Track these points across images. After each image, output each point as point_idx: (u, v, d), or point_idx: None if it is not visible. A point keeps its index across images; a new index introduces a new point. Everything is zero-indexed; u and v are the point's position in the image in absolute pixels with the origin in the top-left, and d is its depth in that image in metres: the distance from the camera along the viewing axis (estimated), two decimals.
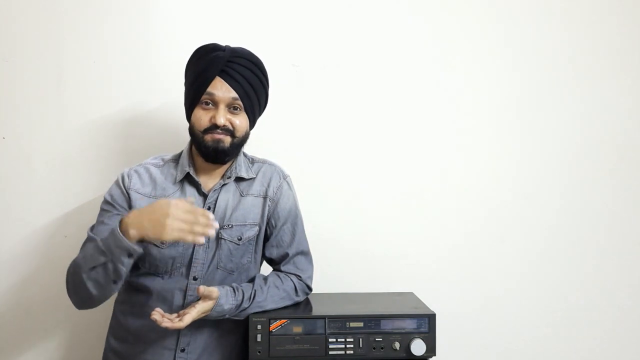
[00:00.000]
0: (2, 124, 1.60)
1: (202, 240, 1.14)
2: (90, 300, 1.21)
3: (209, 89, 1.27)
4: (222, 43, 1.34)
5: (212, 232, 1.14)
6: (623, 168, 1.76)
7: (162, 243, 1.26)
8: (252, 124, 1.36)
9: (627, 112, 1.77)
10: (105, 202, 1.32)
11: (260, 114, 1.40)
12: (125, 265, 1.15)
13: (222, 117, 1.27)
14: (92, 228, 1.29)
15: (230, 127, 1.29)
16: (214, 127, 1.28)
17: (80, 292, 1.20)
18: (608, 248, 1.76)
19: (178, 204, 1.14)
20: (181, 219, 1.12)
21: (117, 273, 1.15)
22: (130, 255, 1.14)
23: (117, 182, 1.34)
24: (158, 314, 1.17)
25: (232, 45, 1.34)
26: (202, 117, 1.29)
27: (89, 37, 1.61)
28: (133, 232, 1.13)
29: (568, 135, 1.75)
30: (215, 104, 1.28)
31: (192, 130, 1.32)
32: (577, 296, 1.75)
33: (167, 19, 1.64)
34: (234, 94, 1.28)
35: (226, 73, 1.27)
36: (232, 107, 1.29)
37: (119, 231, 1.13)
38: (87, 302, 1.23)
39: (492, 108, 1.74)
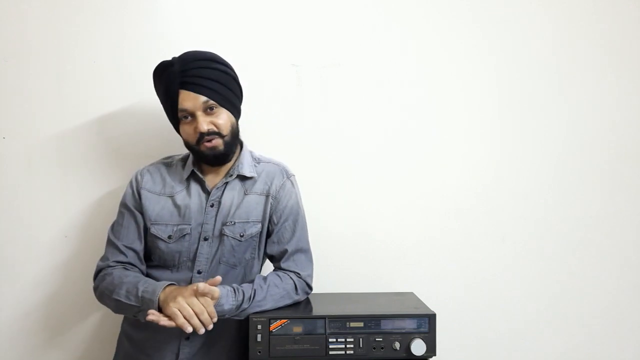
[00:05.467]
0: (2, 124, 1.60)
1: (189, 329, 1.17)
2: (107, 306, 1.34)
3: (180, 106, 1.30)
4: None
5: (202, 331, 1.18)
6: (624, 168, 1.76)
7: (170, 237, 1.34)
8: (236, 114, 1.38)
9: (626, 112, 1.76)
10: (121, 203, 1.41)
11: (241, 101, 1.41)
12: (147, 320, 1.21)
13: (204, 124, 1.30)
14: (112, 226, 1.40)
15: (216, 129, 1.32)
16: (201, 136, 1.31)
17: (103, 301, 1.34)
18: (609, 247, 1.76)
19: (201, 299, 1.20)
20: (190, 304, 1.17)
21: (138, 315, 1.26)
22: None
23: (130, 183, 1.42)
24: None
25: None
26: (188, 131, 1.33)
27: (89, 37, 1.61)
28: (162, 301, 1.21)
29: (569, 135, 1.75)
30: (192, 114, 1.31)
31: (186, 145, 1.37)
32: (577, 296, 1.75)
33: (167, 19, 1.64)
34: (202, 99, 1.30)
35: (185, 83, 1.29)
36: (208, 109, 1.31)
37: (156, 303, 1.20)
38: (104, 304, 1.35)
39: (492, 108, 1.74)
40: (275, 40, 1.67)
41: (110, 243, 1.37)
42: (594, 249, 1.75)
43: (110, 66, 1.62)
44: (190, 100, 1.29)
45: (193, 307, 1.17)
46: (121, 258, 1.35)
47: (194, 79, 1.29)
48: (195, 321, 1.17)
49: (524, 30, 1.74)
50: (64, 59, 1.61)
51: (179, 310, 1.16)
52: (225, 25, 1.65)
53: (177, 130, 1.38)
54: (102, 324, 1.61)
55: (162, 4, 1.64)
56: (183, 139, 1.37)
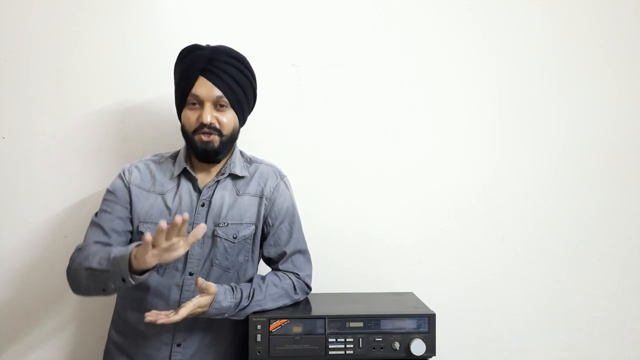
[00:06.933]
0: (2, 124, 1.60)
1: (181, 251, 1.11)
2: (78, 288, 1.26)
3: (193, 90, 1.29)
4: (222, 43, 1.34)
5: (186, 244, 1.11)
6: (624, 168, 1.76)
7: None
8: (241, 120, 1.37)
9: (626, 112, 1.76)
10: (108, 192, 1.36)
11: (250, 110, 1.40)
12: (115, 285, 1.16)
13: (209, 116, 1.28)
14: (96, 214, 1.35)
15: (217, 126, 1.30)
16: (201, 126, 1.29)
17: (76, 281, 1.25)
18: (609, 247, 1.76)
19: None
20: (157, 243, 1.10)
21: (107, 286, 1.18)
22: (123, 280, 1.14)
23: (119, 176, 1.38)
24: (152, 316, 1.17)
25: (228, 43, 1.34)
26: (190, 117, 1.31)
27: (88, 37, 1.61)
28: (134, 264, 1.13)
29: (569, 135, 1.75)
30: (201, 103, 1.29)
31: (183, 130, 1.34)
32: (577, 296, 1.75)
33: (166, 19, 1.64)
34: (218, 92, 1.29)
35: (208, 71, 1.28)
36: (218, 105, 1.30)
37: (127, 259, 1.13)
38: (77, 289, 1.27)
39: (492, 108, 1.74)
40: (275, 40, 1.67)
41: (93, 224, 1.32)
42: (594, 249, 1.75)
43: (110, 66, 1.62)
44: (206, 88, 1.28)
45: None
46: (104, 239, 1.29)
47: (218, 71, 1.28)
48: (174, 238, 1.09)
49: (524, 30, 1.74)
50: (64, 59, 1.61)
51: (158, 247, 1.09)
52: (226, 25, 1.65)
53: (178, 114, 1.35)
54: (102, 322, 1.61)
55: (162, 4, 1.64)
56: (181, 124, 1.34)
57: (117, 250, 1.18)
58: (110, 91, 1.62)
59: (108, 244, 1.29)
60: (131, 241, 1.34)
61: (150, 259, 1.10)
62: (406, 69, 1.71)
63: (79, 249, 1.29)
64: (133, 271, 1.13)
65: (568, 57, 1.75)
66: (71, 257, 1.29)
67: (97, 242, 1.29)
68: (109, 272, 1.15)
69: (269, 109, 1.66)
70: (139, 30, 1.63)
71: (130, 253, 1.13)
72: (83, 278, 1.22)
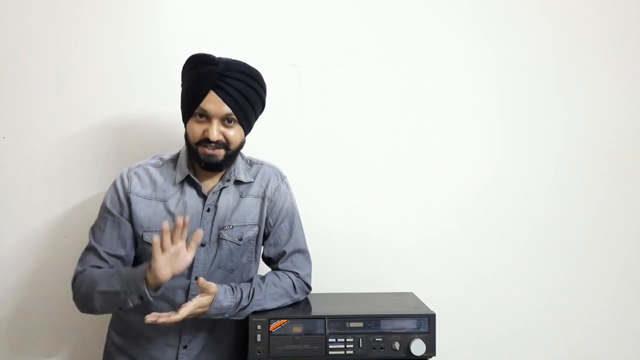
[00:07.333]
0: (2, 124, 1.60)
1: (188, 258, 1.18)
2: (93, 312, 1.30)
3: (202, 104, 1.25)
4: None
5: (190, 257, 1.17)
6: (624, 168, 1.76)
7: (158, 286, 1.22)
8: (247, 131, 1.36)
9: (626, 112, 1.76)
10: (104, 207, 1.34)
11: (255, 120, 1.39)
12: (134, 304, 1.21)
13: (215, 132, 1.26)
14: (92, 231, 1.33)
15: (224, 141, 1.28)
16: (207, 141, 1.27)
17: (87, 304, 1.28)
18: (609, 247, 1.76)
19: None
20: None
21: (124, 305, 1.22)
22: (141, 298, 1.20)
23: (115, 186, 1.34)
24: (153, 316, 1.17)
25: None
26: (196, 129, 1.28)
27: (88, 38, 1.61)
28: (150, 280, 1.18)
29: (569, 135, 1.75)
30: (209, 117, 1.27)
31: (186, 139, 1.32)
32: (577, 296, 1.75)
33: (166, 19, 1.64)
34: (227, 109, 1.26)
35: (219, 87, 1.25)
36: (226, 120, 1.28)
37: (143, 278, 1.18)
38: (90, 312, 1.31)
39: (492, 108, 1.74)
40: (275, 40, 1.67)
41: (90, 248, 1.31)
42: (594, 249, 1.75)
43: (110, 66, 1.62)
44: (215, 105, 1.25)
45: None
46: (102, 265, 1.29)
47: (229, 88, 1.26)
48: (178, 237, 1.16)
49: (524, 30, 1.74)
50: (64, 59, 1.61)
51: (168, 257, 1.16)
52: (226, 26, 1.65)
53: (184, 120, 1.32)
54: (102, 322, 1.61)
55: (162, 4, 1.64)
56: (186, 133, 1.31)
57: (130, 272, 1.23)
58: (110, 91, 1.62)
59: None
60: (135, 249, 1.34)
61: (164, 269, 1.15)
62: (406, 69, 1.71)
63: (80, 273, 1.29)
64: (149, 287, 1.18)
65: (568, 57, 1.75)
66: (75, 282, 1.29)
67: (97, 268, 1.30)
68: (126, 294, 1.20)
69: (269, 108, 1.66)
70: (139, 31, 1.63)
71: (145, 271, 1.18)
72: (97, 301, 1.25)
